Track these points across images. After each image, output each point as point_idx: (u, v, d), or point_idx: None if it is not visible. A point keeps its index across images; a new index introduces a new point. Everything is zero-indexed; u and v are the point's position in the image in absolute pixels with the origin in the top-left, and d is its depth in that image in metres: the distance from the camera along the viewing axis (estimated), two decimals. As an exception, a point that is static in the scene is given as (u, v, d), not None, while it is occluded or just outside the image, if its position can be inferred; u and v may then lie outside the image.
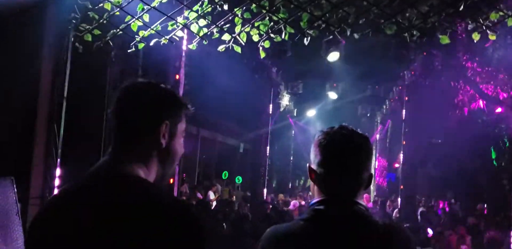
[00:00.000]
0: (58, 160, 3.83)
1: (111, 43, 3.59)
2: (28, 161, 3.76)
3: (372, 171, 1.50)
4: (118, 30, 3.41)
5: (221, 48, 3.44)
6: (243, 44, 3.38)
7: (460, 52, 10.25)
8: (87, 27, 3.47)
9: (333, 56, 9.10)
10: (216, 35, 3.41)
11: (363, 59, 10.88)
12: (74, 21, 3.43)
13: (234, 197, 12.97)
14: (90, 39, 3.50)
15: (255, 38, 3.42)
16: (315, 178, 1.56)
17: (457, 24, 3.18)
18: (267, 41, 3.42)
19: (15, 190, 3.17)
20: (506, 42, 8.06)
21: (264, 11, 3.28)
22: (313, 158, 1.57)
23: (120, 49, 5.02)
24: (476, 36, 3.18)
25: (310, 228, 1.48)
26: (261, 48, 3.47)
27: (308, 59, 10.72)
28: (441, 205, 12.80)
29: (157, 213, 1.13)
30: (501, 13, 3.07)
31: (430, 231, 7.67)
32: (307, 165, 1.60)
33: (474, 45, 10.36)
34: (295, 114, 17.49)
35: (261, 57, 3.47)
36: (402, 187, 12.40)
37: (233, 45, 3.42)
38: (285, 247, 1.47)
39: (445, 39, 3.24)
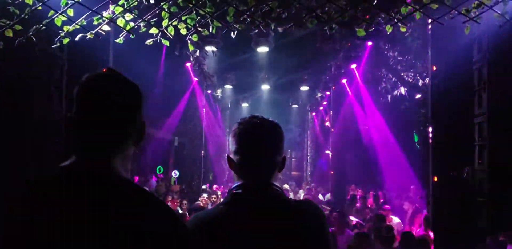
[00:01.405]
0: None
1: (34, 39, 3.48)
2: None
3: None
4: (41, 25, 3.32)
5: (148, 41, 3.46)
6: (171, 37, 3.42)
7: (382, 42, 10.82)
8: (7, 22, 3.35)
9: (263, 48, 9.28)
10: (143, 29, 3.42)
11: (293, 50, 11.19)
12: (-8, 16, 3.31)
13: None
14: (11, 34, 3.38)
15: (183, 31, 3.47)
16: (233, 165, 1.68)
17: (372, 17, 3.41)
18: (195, 35, 3.48)
19: None
20: (423, 31, 8.61)
21: (191, 5, 3.33)
22: (230, 148, 1.71)
23: (45, 44, 4.87)
24: (389, 29, 3.44)
25: (229, 211, 1.59)
26: (189, 41, 3.53)
27: (240, 50, 10.86)
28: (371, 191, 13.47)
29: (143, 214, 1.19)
30: (410, 7, 3.33)
31: (353, 218, 8.07)
32: (226, 155, 1.74)
33: (394, 35, 11.02)
34: (229, 106, 17.59)
35: (190, 50, 3.51)
36: (332, 172, 12.96)
37: (161, 39, 3.45)
38: (207, 231, 1.56)
39: (361, 32, 3.47)
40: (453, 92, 5.21)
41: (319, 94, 15.45)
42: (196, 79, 10.75)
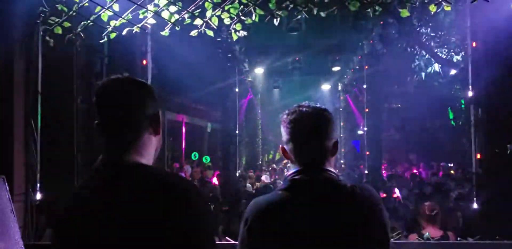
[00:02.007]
0: (38, 155, 3.87)
1: (82, 35, 3.59)
2: (10, 158, 3.77)
3: (338, 139, 1.70)
4: (88, 21, 3.42)
5: (193, 33, 3.52)
6: (215, 28, 3.47)
7: (414, 19, 10.57)
8: (57, 20, 3.46)
9: (294, 31, 9.20)
10: (188, 20, 3.47)
11: (324, 31, 11.05)
12: (43, 15, 3.42)
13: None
14: (60, 32, 3.50)
15: (227, 21, 3.51)
16: (288, 155, 1.76)
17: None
18: (238, 24, 3.51)
19: (7, 188, 3.21)
20: (456, 7, 8.38)
21: (233, -5, 3.36)
22: (283, 138, 1.77)
23: (86, 39, 4.99)
24: (433, 8, 3.39)
25: (288, 196, 1.65)
26: (233, 31, 3.57)
27: (270, 35, 10.80)
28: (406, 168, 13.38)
29: (170, 193, 1.26)
30: (454, -15, 3.27)
31: (397, 191, 8.08)
32: (280, 145, 1.81)
33: (426, 11, 10.72)
34: (260, 90, 17.59)
35: (234, 40, 3.55)
36: (368, 153, 12.89)
37: (205, 29, 3.50)
38: (268, 217, 1.63)
39: (405, 13, 3.43)
40: (494, 68, 5.10)
41: (351, 75, 15.28)
42: (228, 64, 10.79)
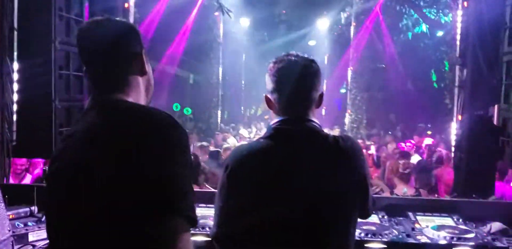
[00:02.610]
0: (15, 94, 3.74)
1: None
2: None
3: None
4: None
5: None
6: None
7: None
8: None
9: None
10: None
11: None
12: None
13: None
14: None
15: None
16: (272, 104, 1.73)
17: None
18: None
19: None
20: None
21: None
22: (267, 87, 1.73)
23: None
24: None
25: (270, 144, 1.65)
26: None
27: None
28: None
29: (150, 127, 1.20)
30: None
31: (372, 148, 8.24)
32: (264, 94, 1.76)
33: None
34: (245, 43, 17.25)
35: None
36: (349, 111, 13.00)
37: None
38: (249, 163, 1.63)
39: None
40: (483, 29, 5.05)
41: (338, 32, 15.05)
42: (216, 13, 10.45)
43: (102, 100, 1.33)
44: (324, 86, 19.25)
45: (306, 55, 1.75)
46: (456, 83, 5.30)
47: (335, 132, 12.92)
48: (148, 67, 1.44)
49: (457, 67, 5.25)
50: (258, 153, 1.64)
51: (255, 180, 1.61)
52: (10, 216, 2.65)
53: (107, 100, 1.33)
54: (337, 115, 17.67)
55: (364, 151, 7.66)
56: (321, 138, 1.66)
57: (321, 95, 1.74)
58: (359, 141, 7.22)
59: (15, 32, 3.54)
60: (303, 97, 1.69)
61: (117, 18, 1.47)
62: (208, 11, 11.03)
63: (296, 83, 1.68)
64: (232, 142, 9.25)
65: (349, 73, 12.98)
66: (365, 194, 1.67)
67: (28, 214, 2.83)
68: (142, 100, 1.41)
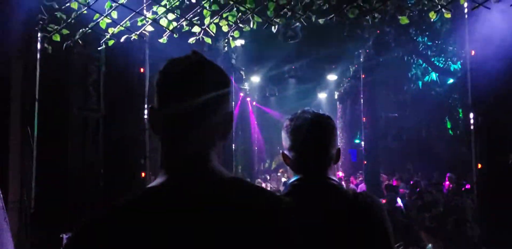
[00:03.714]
0: (34, 162, 3.82)
1: (80, 42, 3.57)
2: (4, 166, 3.72)
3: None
4: (87, 29, 3.39)
5: (191, 40, 3.50)
6: (213, 35, 3.45)
7: (411, 28, 10.63)
8: (55, 27, 3.44)
9: (290, 40, 9.19)
10: (186, 28, 3.46)
11: (320, 39, 11.07)
12: (41, 22, 3.39)
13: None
14: (58, 39, 3.47)
15: (225, 29, 3.50)
16: (289, 162, 1.73)
17: (415, 4, 3.36)
18: (236, 31, 3.50)
19: (1, 195, 3.15)
20: (453, 15, 8.44)
21: (232, 3, 3.35)
22: (284, 144, 1.74)
23: (84, 46, 4.97)
24: (433, 15, 3.38)
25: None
26: (231, 38, 3.56)
27: (265, 43, 10.83)
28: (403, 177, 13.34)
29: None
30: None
31: (399, 201, 8.05)
32: (281, 151, 1.78)
33: (423, 20, 10.80)
34: (256, 98, 17.58)
35: (232, 47, 3.54)
36: (365, 162, 12.87)
37: (203, 37, 3.48)
38: None
39: (404, 20, 3.43)
40: (494, 76, 5.09)
41: (348, 83, 15.31)
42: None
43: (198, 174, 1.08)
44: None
45: (321, 112, 1.77)
46: (473, 130, 5.25)
47: (359, 179, 12.70)
48: None
49: (471, 115, 5.23)
50: None
51: None
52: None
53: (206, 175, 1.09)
54: (353, 165, 17.51)
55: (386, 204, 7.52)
56: (340, 195, 1.64)
57: (338, 151, 1.75)
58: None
59: (36, 103, 3.67)
60: (321, 155, 1.69)
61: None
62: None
63: (313, 141, 1.69)
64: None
65: (363, 123, 13.01)
66: None
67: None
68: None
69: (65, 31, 3.46)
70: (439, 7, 3.31)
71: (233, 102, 11.84)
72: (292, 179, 1.71)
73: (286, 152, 1.74)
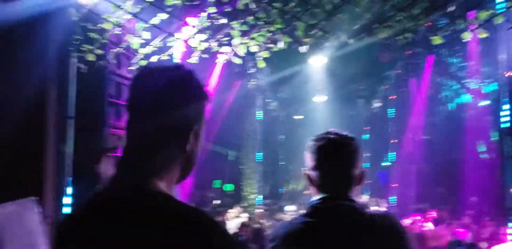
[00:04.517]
0: (69, 178, 3.88)
1: (114, 62, 3.64)
2: (39, 181, 3.78)
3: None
4: (122, 48, 3.46)
5: (221, 60, 3.52)
6: (243, 55, 3.46)
7: (442, 49, 10.48)
8: (89, 47, 3.52)
9: (317, 60, 9.20)
10: (216, 48, 3.48)
11: (349, 60, 11.04)
12: (75, 43, 3.48)
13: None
14: (92, 58, 3.54)
15: (254, 48, 3.51)
16: (312, 182, 1.72)
17: (448, 24, 3.30)
18: (265, 52, 3.50)
19: (38, 210, 3.19)
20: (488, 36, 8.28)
21: (261, 23, 3.36)
22: (307, 164, 1.73)
23: (116, 64, 5.09)
24: (467, 35, 3.31)
25: (311, 222, 1.63)
26: (259, 58, 3.56)
27: (293, 63, 10.88)
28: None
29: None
30: (489, 12, 3.19)
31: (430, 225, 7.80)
32: (304, 172, 1.76)
33: (456, 40, 10.63)
34: (281, 119, 17.57)
35: (260, 67, 3.54)
36: (396, 185, 12.59)
37: (233, 57, 3.50)
38: (292, 241, 1.61)
39: (437, 40, 3.37)
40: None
41: (376, 105, 15.15)
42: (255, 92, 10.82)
43: (142, 191, 1.05)
44: (365, 160, 18.99)
45: (345, 133, 1.75)
46: (510, 155, 5.08)
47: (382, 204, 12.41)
48: (197, 142, 1.17)
49: (509, 138, 5.08)
50: (299, 232, 1.63)
51: None
52: None
53: (148, 194, 1.05)
54: (380, 189, 17.13)
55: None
56: (360, 216, 1.63)
57: (363, 173, 1.73)
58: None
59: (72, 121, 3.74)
60: (343, 175, 1.68)
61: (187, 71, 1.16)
62: (246, 90, 11.43)
63: (336, 161, 1.69)
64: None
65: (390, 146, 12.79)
66: None
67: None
68: (174, 180, 1.14)
69: (98, 51, 3.54)
70: (476, 26, 3.24)
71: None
72: (314, 199, 1.70)
73: (308, 173, 1.73)
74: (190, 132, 1.09)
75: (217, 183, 15.51)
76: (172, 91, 1.08)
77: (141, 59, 3.56)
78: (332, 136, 1.71)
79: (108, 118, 5.10)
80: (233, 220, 8.81)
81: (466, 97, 12.13)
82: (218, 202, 11.79)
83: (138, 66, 3.59)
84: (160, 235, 0.97)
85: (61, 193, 3.68)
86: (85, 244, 1.01)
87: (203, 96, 1.14)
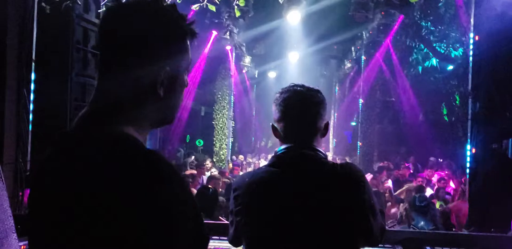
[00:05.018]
0: (30, 124, 3.80)
1: (79, 3, 3.49)
2: (0, 128, 3.70)
3: (330, 128, 1.69)
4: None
5: (195, 6, 3.44)
6: (218, 3, 3.39)
7: (415, 12, 10.51)
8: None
9: (293, 16, 9.09)
10: (191, -5, 3.39)
11: (322, 19, 10.95)
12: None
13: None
14: (58, -1, 3.40)
15: (230, -4, 3.43)
16: (278, 133, 1.76)
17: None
18: (242, 0, 3.43)
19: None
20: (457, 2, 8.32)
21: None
22: (274, 116, 1.76)
23: (84, 10, 4.88)
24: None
25: (274, 171, 1.67)
26: (236, 7, 3.49)
27: (269, 20, 10.71)
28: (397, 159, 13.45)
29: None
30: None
31: (389, 182, 8.13)
32: (271, 124, 1.79)
33: (428, 4, 10.66)
34: (256, 76, 17.48)
35: (237, 16, 3.48)
36: (361, 144, 12.94)
37: (208, 4, 3.42)
38: (255, 191, 1.66)
39: (412, -2, 3.37)
40: (496, 63, 5.06)
41: (348, 65, 15.21)
42: (228, 47, 10.59)
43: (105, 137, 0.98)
44: (334, 118, 19.31)
45: (312, 86, 1.77)
46: (469, 117, 5.26)
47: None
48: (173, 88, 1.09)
49: (470, 101, 5.22)
50: (262, 181, 1.66)
51: (256, 207, 1.66)
52: (22, 247, 2.60)
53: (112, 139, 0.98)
54: (347, 147, 17.61)
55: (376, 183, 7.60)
56: (321, 165, 1.66)
57: (327, 125, 1.76)
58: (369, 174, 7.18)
59: (33, 64, 3.61)
60: (308, 126, 1.71)
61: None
62: (220, 45, 11.23)
63: (301, 112, 1.71)
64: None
65: (360, 105, 13.01)
66: (366, 220, 1.62)
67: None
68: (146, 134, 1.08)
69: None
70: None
71: (232, 79, 11.76)
72: (279, 149, 1.73)
73: (275, 124, 1.76)
74: (160, 73, 1.01)
75: (190, 138, 15.54)
76: (143, 26, 0.99)
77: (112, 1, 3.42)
78: (297, 88, 1.74)
79: (74, 65, 4.97)
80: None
81: (434, 61, 12.32)
82: (193, 157, 11.86)
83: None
84: (112, 171, 0.90)
85: (21, 140, 3.61)
86: (57, 185, 0.96)
87: (183, 32, 1.04)
